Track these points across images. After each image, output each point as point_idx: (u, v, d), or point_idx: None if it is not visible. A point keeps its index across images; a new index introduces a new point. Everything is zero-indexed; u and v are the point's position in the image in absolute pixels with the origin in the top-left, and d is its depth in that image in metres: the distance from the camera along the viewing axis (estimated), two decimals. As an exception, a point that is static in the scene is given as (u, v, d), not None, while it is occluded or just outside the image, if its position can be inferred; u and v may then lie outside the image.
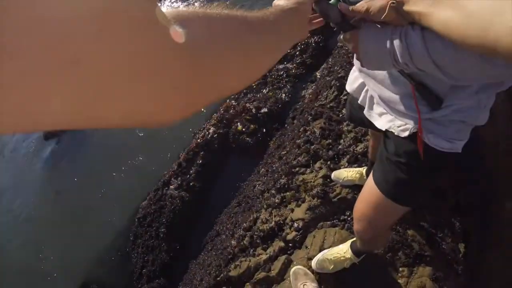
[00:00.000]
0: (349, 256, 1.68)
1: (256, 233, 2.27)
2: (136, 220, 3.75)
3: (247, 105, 3.97)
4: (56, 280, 3.82)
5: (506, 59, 0.54)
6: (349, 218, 2.02)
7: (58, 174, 4.83)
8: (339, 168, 2.23)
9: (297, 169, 2.44)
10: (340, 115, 2.65)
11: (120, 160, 4.41)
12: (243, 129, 3.80)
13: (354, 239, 1.66)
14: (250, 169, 3.56)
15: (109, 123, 0.30)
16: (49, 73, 0.21)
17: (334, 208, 2.09)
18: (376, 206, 1.11)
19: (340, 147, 2.41)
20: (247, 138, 3.75)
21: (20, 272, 4.07)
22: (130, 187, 4.13)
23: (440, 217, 2.02)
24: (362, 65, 0.83)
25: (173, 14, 0.37)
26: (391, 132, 1.01)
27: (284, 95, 4.02)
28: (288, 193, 2.32)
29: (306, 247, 1.99)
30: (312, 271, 1.84)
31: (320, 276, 1.82)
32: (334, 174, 2.16)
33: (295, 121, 3.42)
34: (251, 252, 2.20)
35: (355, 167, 2.18)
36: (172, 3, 5.96)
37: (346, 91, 2.71)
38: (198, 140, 3.92)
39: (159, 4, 0.30)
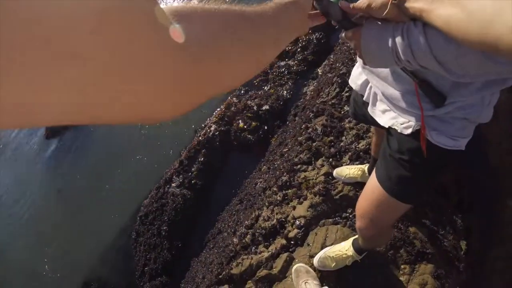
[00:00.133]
0: (351, 254, 1.68)
1: (258, 230, 2.27)
2: (138, 218, 3.76)
3: (249, 102, 3.96)
4: (59, 278, 3.84)
5: (508, 57, 0.53)
6: (351, 216, 2.01)
7: (60, 173, 4.84)
8: (341, 165, 2.23)
9: (298, 166, 2.43)
10: (342, 112, 2.64)
11: (122, 158, 4.42)
12: (245, 127, 3.80)
13: (356, 236, 1.66)
14: (252, 166, 3.55)
15: (108, 119, 0.30)
16: (47, 67, 0.21)
17: (336, 206, 2.09)
18: (379, 204, 1.11)
19: (342, 144, 2.40)
20: (249, 136, 3.75)
21: (23, 270, 4.10)
22: (131, 185, 4.14)
23: (442, 214, 2.02)
24: (364, 63, 0.82)
25: (172, 9, 0.37)
26: (394, 129, 1.01)
27: (285, 92, 4.01)
28: (289, 191, 2.32)
29: (308, 244, 1.99)
30: (314, 269, 1.84)
31: (322, 274, 1.82)
32: (336, 171, 2.16)
33: (296, 118, 3.41)
34: (253, 250, 2.20)
35: (357, 164, 2.17)
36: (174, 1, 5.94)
37: (348, 87, 2.72)
38: (200, 138, 3.92)
39: (158, 1, 0.30)
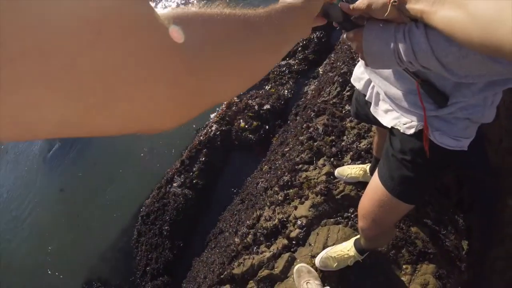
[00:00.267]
0: (353, 254, 1.68)
1: (259, 230, 2.27)
2: (140, 218, 3.76)
3: (250, 102, 3.96)
4: (60, 278, 3.84)
5: (511, 59, 0.53)
6: (352, 216, 2.01)
7: (62, 172, 4.85)
8: (343, 165, 2.23)
9: (300, 166, 2.43)
10: (343, 111, 2.64)
11: (123, 158, 4.42)
12: (246, 126, 3.80)
13: (358, 236, 1.66)
14: (253, 166, 3.55)
15: (105, 131, 0.29)
16: (45, 78, 0.21)
17: (338, 205, 2.09)
18: (381, 204, 1.11)
19: (343, 143, 2.40)
20: (250, 135, 3.75)
21: (25, 269, 4.10)
22: (133, 185, 4.14)
23: (443, 214, 2.01)
24: (366, 64, 0.82)
25: (173, 14, 0.36)
26: (397, 129, 1.01)
27: (286, 91, 4.00)
28: (291, 190, 2.32)
29: (310, 244, 1.99)
30: (316, 269, 1.84)
31: (324, 274, 1.82)
32: (337, 171, 2.16)
33: (298, 118, 3.40)
34: (254, 250, 2.20)
35: (359, 164, 2.17)
36: (173, 2, 5.93)
37: (349, 86, 2.72)
38: (201, 138, 3.92)
39: (156, 9, 0.29)
